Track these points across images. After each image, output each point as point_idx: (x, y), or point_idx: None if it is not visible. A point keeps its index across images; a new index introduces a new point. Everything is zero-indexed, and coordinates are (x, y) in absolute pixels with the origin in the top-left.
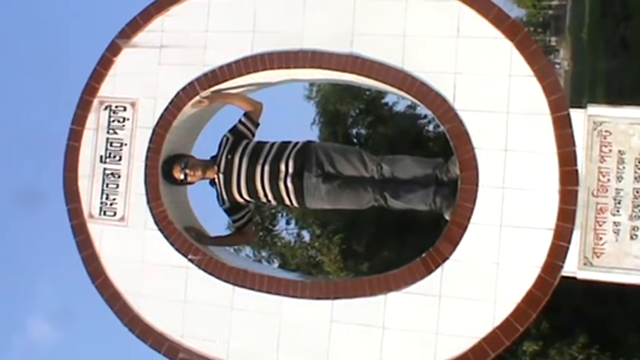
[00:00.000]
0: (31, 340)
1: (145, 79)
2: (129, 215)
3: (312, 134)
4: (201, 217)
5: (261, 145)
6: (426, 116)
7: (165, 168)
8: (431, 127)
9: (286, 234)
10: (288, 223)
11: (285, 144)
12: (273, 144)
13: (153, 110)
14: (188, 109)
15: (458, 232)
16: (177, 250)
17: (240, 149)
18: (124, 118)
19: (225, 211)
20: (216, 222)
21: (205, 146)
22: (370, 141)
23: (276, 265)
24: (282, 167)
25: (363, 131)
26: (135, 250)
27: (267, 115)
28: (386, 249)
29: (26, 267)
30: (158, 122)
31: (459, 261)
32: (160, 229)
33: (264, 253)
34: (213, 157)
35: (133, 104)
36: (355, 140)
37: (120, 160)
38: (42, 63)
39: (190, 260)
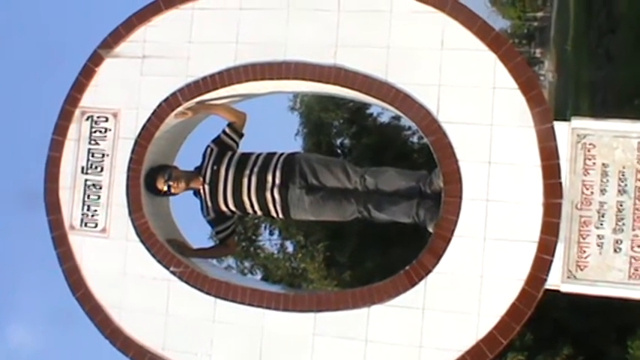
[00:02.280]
0: (14, 347)
1: (127, 89)
2: (110, 227)
3: (296, 145)
4: (184, 228)
5: (246, 156)
6: (410, 128)
7: (148, 179)
8: (415, 139)
9: (269, 245)
10: (271, 233)
11: (270, 155)
12: (259, 155)
13: (135, 121)
14: (171, 120)
15: (441, 244)
16: (159, 262)
17: (225, 160)
18: (105, 129)
19: (210, 222)
20: (198, 234)
21: (188, 157)
22: (354, 152)
23: (259, 276)
24: (269, 178)
25: (347, 142)
26: (116, 262)
27: (251, 126)
28: (369, 260)
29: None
30: (140, 133)
31: (443, 274)
32: (141, 241)
33: (246, 264)
34: (198, 168)
35: (115, 115)
36: (339, 151)
37: (101, 171)
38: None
39: (172, 272)
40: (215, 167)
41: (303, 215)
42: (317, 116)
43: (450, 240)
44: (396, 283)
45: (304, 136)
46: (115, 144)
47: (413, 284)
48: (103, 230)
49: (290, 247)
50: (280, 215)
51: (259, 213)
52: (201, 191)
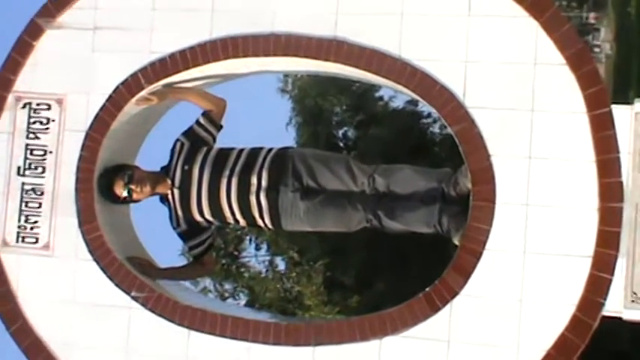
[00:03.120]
0: None
1: (75, 69)
2: (55, 242)
3: (288, 138)
4: (148, 243)
5: (226, 152)
6: (429, 115)
7: (103, 183)
8: (436, 128)
9: (256, 262)
10: (257, 248)
11: (256, 151)
12: (241, 151)
13: (85, 109)
14: (131, 108)
15: (470, 260)
16: (117, 285)
17: (199, 158)
18: (48, 119)
19: (181, 235)
20: (167, 249)
21: (153, 155)
22: (360, 145)
23: (242, 301)
24: (254, 180)
25: (351, 133)
26: (63, 287)
27: (231, 115)
28: (380, 280)
29: None
30: (92, 124)
31: (472, 297)
32: (95, 260)
33: (227, 287)
34: (165, 168)
35: (59, 101)
36: (341, 144)
37: (43, 172)
38: None
39: (134, 298)
40: (187, 167)
41: (297, 225)
42: (314, 101)
43: (480, 254)
44: (413, 309)
45: (298, 126)
46: (60, 138)
47: (435, 310)
48: (46, 247)
49: (281, 264)
50: (269, 226)
51: (243, 223)
52: (170, 197)
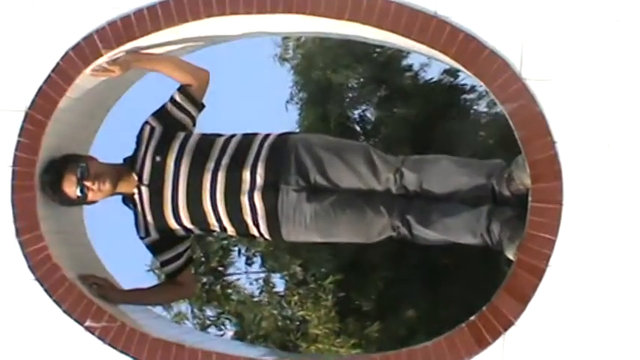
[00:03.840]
0: None
1: (10, 28)
2: None
3: (289, 120)
4: (107, 257)
5: (210, 139)
6: (474, 88)
7: (49, 178)
8: (482, 106)
9: (246, 281)
10: (249, 262)
11: (248, 138)
12: (229, 138)
13: (24, 82)
14: (85, 81)
15: (530, 280)
16: (66, 312)
17: (175, 146)
18: None
19: (150, 246)
20: (132, 264)
21: (113, 142)
22: (383, 130)
23: (229, 332)
24: (246, 175)
25: (370, 114)
26: None
27: (215, 91)
28: (408, 304)
29: None
30: (34, 102)
31: (532, 329)
32: (37, 279)
33: (209, 313)
34: (129, 160)
35: None
36: (358, 129)
37: None
38: None
39: (89, 329)
40: (159, 158)
41: (301, 235)
42: (322, 73)
43: (543, 273)
44: (455, 344)
45: (301, 104)
46: None
47: (484, 345)
48: None
49: (280, 284)
50: (265, 235)
51: (231, 232)
52: (137, 197)
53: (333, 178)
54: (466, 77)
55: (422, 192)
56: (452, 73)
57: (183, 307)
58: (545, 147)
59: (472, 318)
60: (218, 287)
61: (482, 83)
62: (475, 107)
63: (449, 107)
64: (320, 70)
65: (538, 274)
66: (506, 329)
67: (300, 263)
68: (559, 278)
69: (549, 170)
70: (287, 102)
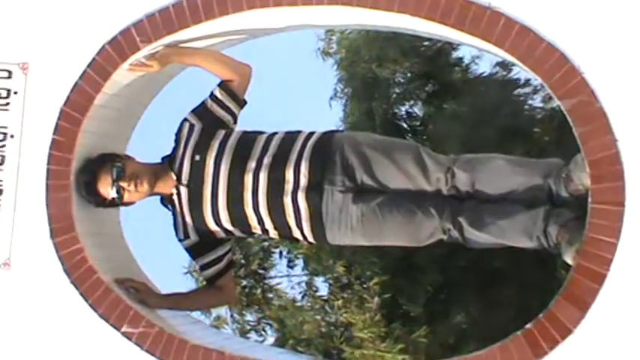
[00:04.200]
0: None
1: (42, 23)
2: (16, 258)
3: (332, 117)
4: (145, 260)
5: (251, 137)
6: (528, 82)
7: (85, 179)
8: (537, 101)
9: (288, 284)
10: (291, 265)
11: (291, 136)
12: (272, 136)
13: (59, 77)
14: (122, 76)
15: (589, 287)
16: (102, 317)
17: (215, 145)
18: (8, 92)
19: (190, 249)
20: (170, 269)
21: (151, 140)
22: (431, 127)
23: (271, 338)
24: (289, 175)
25: (418, 110)
26: (26, 319)
27: (256, 87)
28: (458, 308)
29: None
30: (69, 98)
31: (592, 338)
32: (72, 283)
33: (250, 318)
34: (168, 159)
35: (23, 67)
36: (406, 126)
37: (1, 164)
38: None
39: (126, 335)
40: (198, 157)
41: (347, 237)
42: (367, 68)
43: (604, 279)
44: (509, 353)
45: (346, 101)
46: (23, 117)
47: (540, 355)
48: (5, 265)
49: (323, 287)
50: (309, 238)
51: (274, 234)
52: (175, 198)
53: (380, 179)
54: (520, 71)
55: (474, 193)
56: (505, 66)
57: (223, 311)
58: (606, 145)
59: (528, 326)
60: (258, 291)
61: (538, 77)
62: (530, 102)
63: (502, 103)
64: (365, 64)
65: (598, 279)
66: (564, 338)
67: (343, 264)
68: (621, 284)
69: (610, 170)
70: (330, 99)
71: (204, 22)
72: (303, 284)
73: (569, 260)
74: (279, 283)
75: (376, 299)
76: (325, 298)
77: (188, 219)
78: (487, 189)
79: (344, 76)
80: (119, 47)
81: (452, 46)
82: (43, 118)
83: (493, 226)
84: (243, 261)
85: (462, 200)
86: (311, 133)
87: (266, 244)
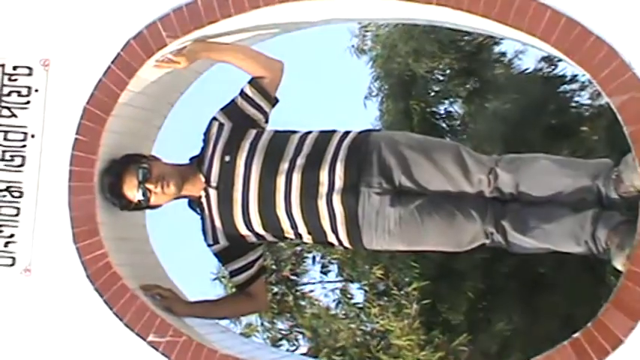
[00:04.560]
0: None
1: (65, 17)
2: (38, 264)
3: (368, 116)
4: (172, 266)
5: (284, 137)
6: (575, 78)
7: (110, 180)
8: (585, 98)
9: (322, 291)
10: (325, 271)
11: (326, 136)
12: (305, 136)
13: (82, 74)
14: (148, 73)
15: None
16: (127, 326)
17: (246, 145)
18: (28, 90)
19: (218, 255)
20: (198, 275)
21: (178, 140)
22: (473, 126)
23: (304, 348)
24: (324, 177)
25: (458, 108)
26: (49, 328)
27: (288, 85)
28: (500, 315)
29: None
30: (92, 96)
31: None
32: (96, 290)
33: (281, 326)
34: (196, 160)
35: (45, 63)
36: (445, 126)
37: (21, 165)
38: None
39: (152, 344)
40: (228, 157)
41: (384, 242)
42: (404, 64)
43: None
44: None
45: (382, 99)
46: (44, 116)
47: None
48: (26, 271)
49: (358, 294)
50: (344, 243)
51: (307, 239)
52: (204, 201)
53: (419, 180)
54: (566, 66)
55: (518, 195)
56: (550, 61)
57: (253, 318)
58: None
59: (576, 335)
60: (290, 298)
61: (585, 73)
62: (577, 99)
63: (547, 100)
64: (401, 60)
65: None
66: (614, 348)
67: (379, 269)
68: None
69: None
70: (365, 98)
71: (233, 16)
72: (338, 291)
73: (619, 266)
74: (312, 290)
75: (415, 305)
76: (361, 305)
77: (217, 223)
78: (532, 191)
79: (379, 73)
80: (145, 43)
81: (494, 40)
82: (65, 117)
83: (538, 230)
84: (274, 266)
85: (505, 202)
86: (346, 133)
87: (299, 248)
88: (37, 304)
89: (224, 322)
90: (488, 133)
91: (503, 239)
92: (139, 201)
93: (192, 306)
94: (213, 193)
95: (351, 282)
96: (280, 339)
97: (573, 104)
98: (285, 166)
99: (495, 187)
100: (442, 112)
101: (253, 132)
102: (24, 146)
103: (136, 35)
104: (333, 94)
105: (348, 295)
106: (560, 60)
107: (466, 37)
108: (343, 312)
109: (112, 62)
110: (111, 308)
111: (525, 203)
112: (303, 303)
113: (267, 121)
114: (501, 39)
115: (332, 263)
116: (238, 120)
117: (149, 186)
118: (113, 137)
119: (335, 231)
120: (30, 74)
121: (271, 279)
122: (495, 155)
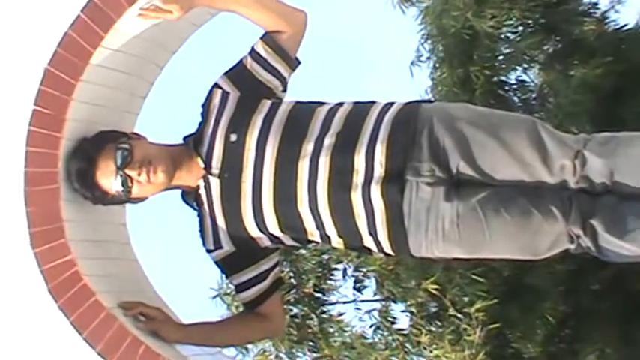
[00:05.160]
0: None
1: None
2: None
3: (416, 85)
4: (160, 278)
5: (307, 110)
6: None
7: (77, 164)
8: None
9: (355, 313)
10: (358, 288)
11: (363, 108)
12: (335, 108)
13: (40, 26)
14: (129, 25)
15: None
16: (101, 355)
17: (258, 121)
18: None
19: (222, 263)
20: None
21: (168, 113)
22: (553, 100)
23: None
24: (360, 162)
25: (533, 76)
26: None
27: (313, 42)
28: (590, 347)
29: None
30: (56, 53)
31: None
32: (60, 308)
33: (302, 357)
34: (192, 139)
35: None
36: (516, 99)
37: None
38: None
39: None
40: (234, 137)
41: (437, 247)
42: (462, 20)
43: None
44: None
45: (434, 66)
46: None
47: None
48: None
49: (402, 316)
50: (385, 248)
51: (337, 243)
52: (203, 193)
53: (483, 167)
54: None
55: (612, 186)
56: None
57: (266, 346)
58: None
59: None
60: (314, 321)
61: None
62: None
63: None
64: (460, 15)
65: None
66: None
67: (431, 284)
68: None
69: None
70: (412, 63)
71: None
72: (376, 313)
73: None
74: (342, 312)
75: (478, 332)
76: (406, 331)
77: (220, 222)
78: (631, 181)
79: (431, 32)
80: None
81: None
82: (17, 82)
83: (639, 233)
84: (293, 281)
85: (595, 196)
86: (389, 104)
87: (325, 257)
88: None
89: (228, 351)
90: (573, 108)
91: (592, 244)
92: (117, 192)
93: (187, 329)
94: (214, 182)
95: (394, 301)
96: None
97: None
98: (309, 147)
99: (583, 175)
100: (513, 81)
101: (268, 103)
102: None
103: None
104: (370, 59)
105: (390, 319)
106: None
107: None
108: (383, 340)
109: (82, 10)
110: (80, 332)
111: (622, 197)
112: (330, 328)
113: (284, 90)
114: None
115: (368, 277)
116: (248, 87)
117: (130, 173)
118: (83, 109)
119: (373, 233)
120: None
121: (290, 296)
122: (583, 135)
